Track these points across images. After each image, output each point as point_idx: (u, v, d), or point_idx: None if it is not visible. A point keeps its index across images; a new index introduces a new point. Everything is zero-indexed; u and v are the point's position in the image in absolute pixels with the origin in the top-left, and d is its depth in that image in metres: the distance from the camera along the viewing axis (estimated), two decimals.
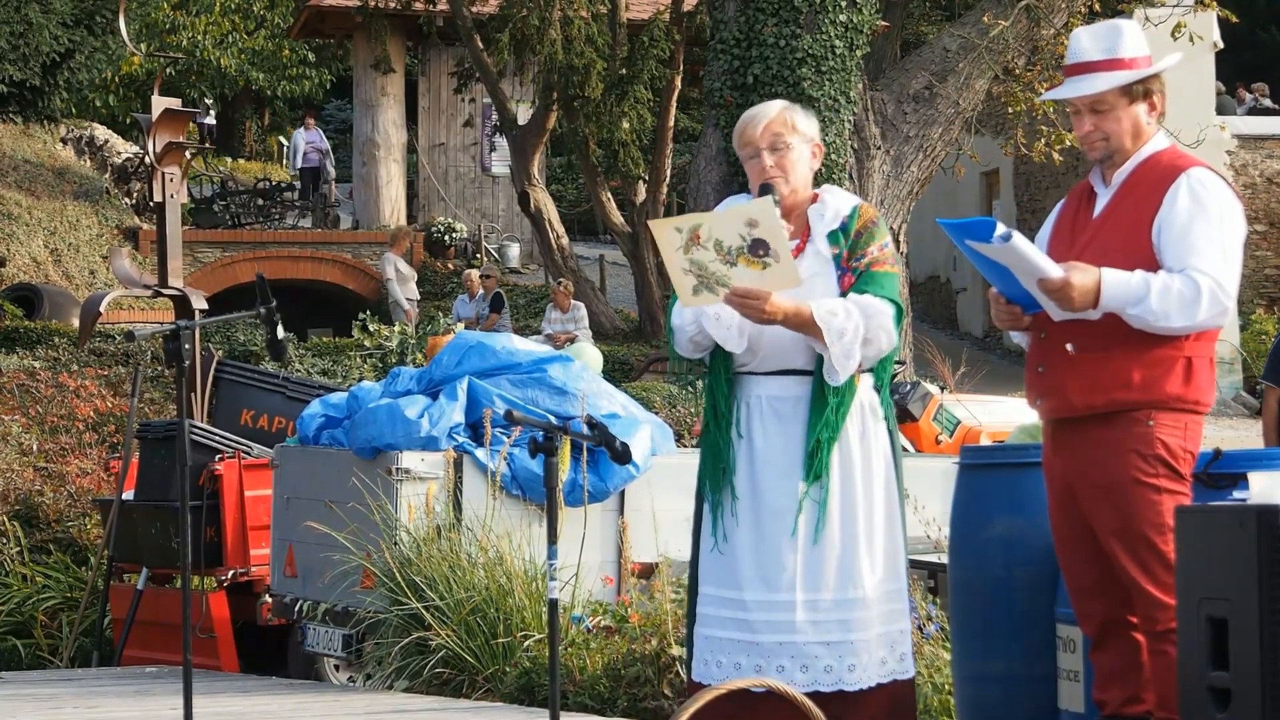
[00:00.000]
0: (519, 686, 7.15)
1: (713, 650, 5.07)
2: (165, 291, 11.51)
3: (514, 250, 28.90)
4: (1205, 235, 4.74)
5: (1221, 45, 24.13)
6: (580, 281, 23.80)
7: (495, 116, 25.96)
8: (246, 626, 9.95)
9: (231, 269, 26.25)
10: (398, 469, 7.93)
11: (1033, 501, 5.29)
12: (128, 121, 31.63)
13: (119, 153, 28.99)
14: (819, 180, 5.33)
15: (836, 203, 5.19)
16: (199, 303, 11.28)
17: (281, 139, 37.41)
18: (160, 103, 11.74)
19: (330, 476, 8.36)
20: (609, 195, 24.45)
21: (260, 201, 29.10)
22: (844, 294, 5.05)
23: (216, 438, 10.16)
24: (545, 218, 24.15)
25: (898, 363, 13.47)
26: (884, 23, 21.55)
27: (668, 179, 24.22)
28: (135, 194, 27.72)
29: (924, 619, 6.64)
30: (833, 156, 16.17)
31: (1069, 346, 4.83)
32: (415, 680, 7.42)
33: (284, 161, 34.38)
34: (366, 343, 19.49)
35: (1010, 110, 18.72)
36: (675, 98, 23.97)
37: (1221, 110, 25.07)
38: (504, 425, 7.99)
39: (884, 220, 5.31)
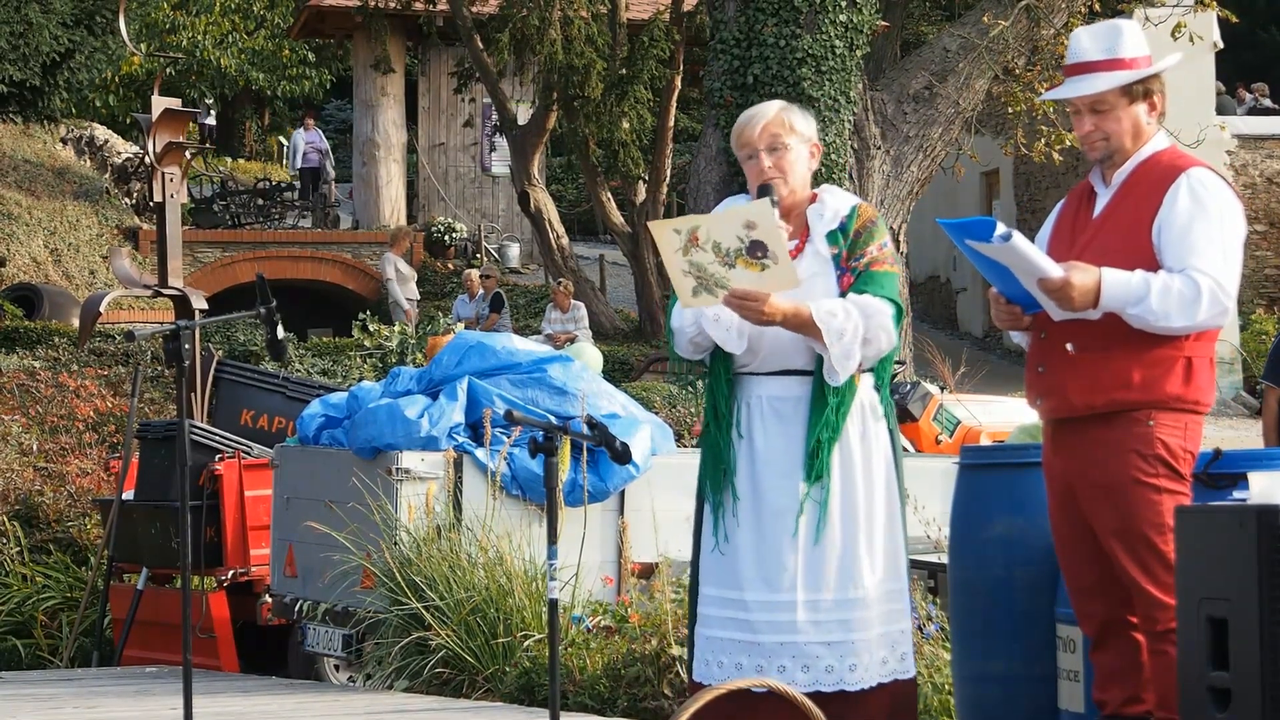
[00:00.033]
0: (519, 686, 7.15)
1: (714, 651, 5.07)
2: (165, 291, 11.51)
3: (514, 250, 28.90)
4: (1205, 235, 4.74)
5: (1221, 45, 24.13)
6: (580, 281, 23.81)
7: (495, 116, 25.96)
8: (246, 626, 9.95)
9: (231, 269, 26.26)
10: (398, 469, 7.93)
11: (1033, 501, 5.29)
12: (128, 121, 31.63)
13: (119, 153, 28.99)
14: (818, 180, 5.33)
15: (835, 202, 5.19)
16: (199, 303, 11.28)
17: (281, 139, 37.42)
18: (160, 103, 11.74)
19: (330, 476, 8.36)
20: (609, 195, 24.45)
21: (260, 201, 29.11)
22: (843, 294, 5.05)
23: (216, 438, 10.16)
24: (545, 218, 24.16)
25: (898, 363, 13.48)
26: (884, 23, 21.55)
27: (668, 179, 24.22)
28: (135, 194, 27.72)
29: (924, 619, 6.64)
30: (833, 156, 16.17)
31: (1069, 346, 4.83)
32: (415, 680, 7.42)
33: (284, 162, 34.38)
34: (366, 343, 19.49)
35: (1010, 110, 18.72)
36: (675, 98, 23.97)
37: (1221, 110, 25.07)
38: (504, 425, 7.99)
39: (883, 220, 5.31)
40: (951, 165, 19.25)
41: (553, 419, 7.53)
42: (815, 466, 5.01)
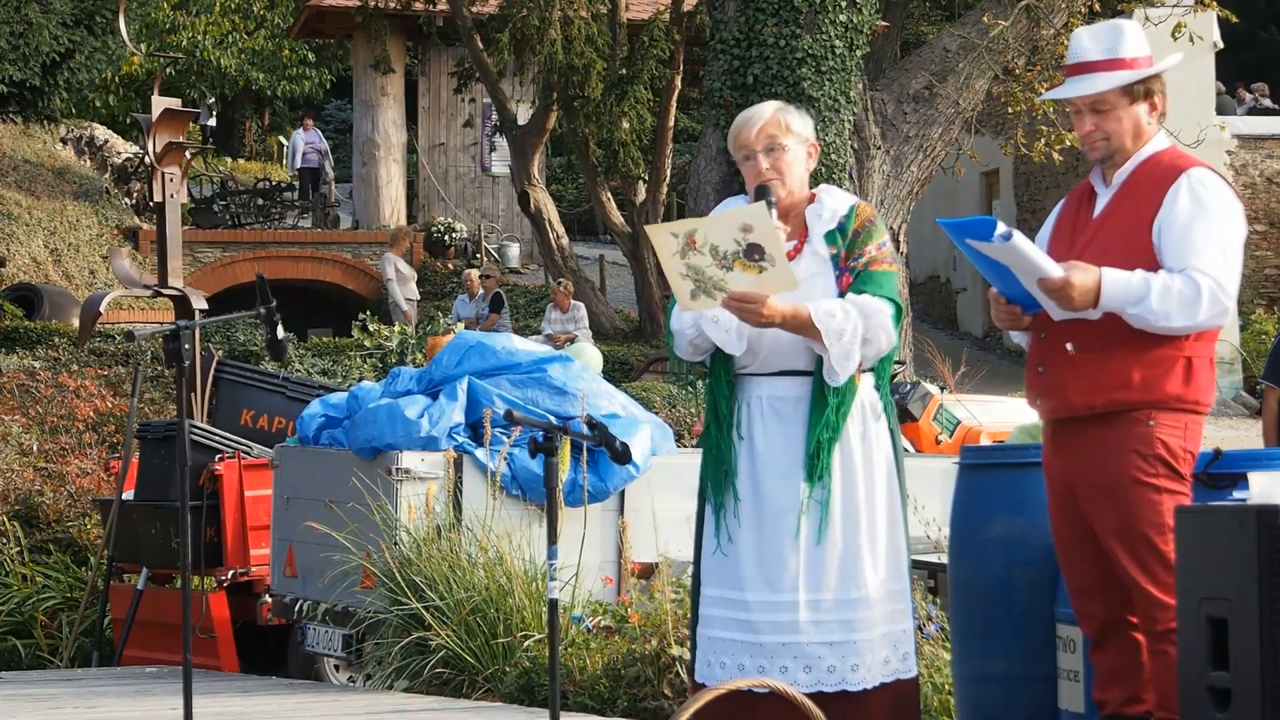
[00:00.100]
0: (519, 686, 7.16)
1: (715, 651, 5.07)
2: (165, 291, 11.51)
3: (514, 250, 28.90)
4: (1205, 235, 4.74)
5: (1221, 45, 24.13)
6: (580, 281, 23.81)
7: (495, 116, 25.96)
8: (246, 626, 9.95)
9: (231, 269, 26.26)
10: (398, 469, 7.93)
11: (1033, 501, 5.30)
12: (128, 121, 31.63)
13: (119, 153, 28.99)
14: (818, 180, 5.33)
15: (834, 202, 5.18)
16: (199, 303, 11.28)
17: (281, 139, 37.42)
18: (160, 103, 11.74)
19: (330, 476, 8.36)
20: (609, 195, 24.45)
21: (260, 201, 29.11)
22: (842, 294, 5.05)
23: (216, 438, 10.16)
24: (545, 218, 24.16)
25: (898, 363, 13.50)
26: (884, 23, 21.55)
27: (668, 179, 24.22)
28: (135, 194, 27.72)
29: (924, 619, 6.64)
30: (833, 156, 16.17)
31: (1069, 346, 4.83)
32: (415, 680, 7.42)
33: (283, 162, 34.39)
34: (366, 343, 19.49)
35: (1010, 110, 18.72)
36: (675, 98, 23.97)
37: (1221, 110, 25.07)
38: (504, 425, 7.99)
39: (881, 219, 5.31)
40: (951, 165, 19.25)
41: (553, 419, 7.53)
42: (816, 467, 5.01)
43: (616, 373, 18.51)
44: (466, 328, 19.45)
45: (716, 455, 5.12)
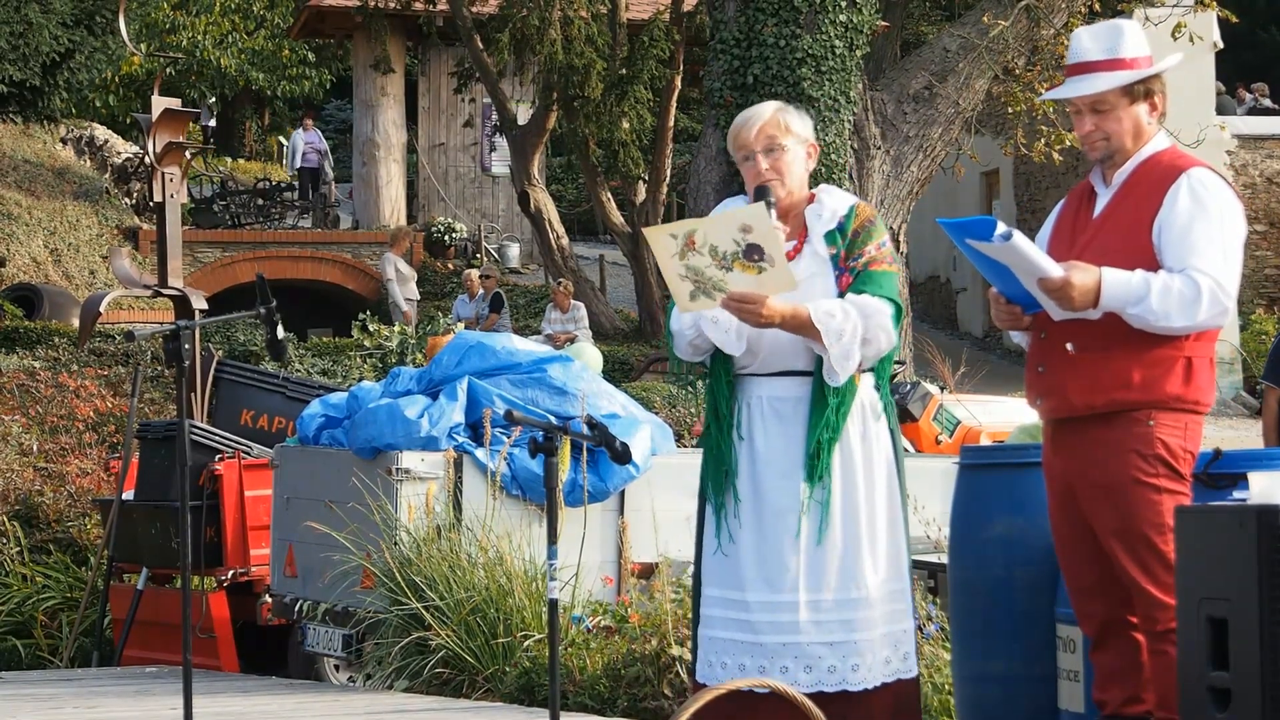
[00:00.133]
0: (519, 686, 7.15)
1: (716, 651, 5.07)
2: (165, 291, 11.51)
3: (514, 250, 28.90)
4: (1206, 235, 4.74)
5: (1221, 45, 24.13)
6: (580, 281, 23.81)
7: (495, 116, 25.96)
8: (246, 626, 9.95)
9: (231, 269, 26.26)
10: (398, 469, 7.93)
11: (1033, 501, 5.29)
12: (128, 121, 31.64)
13: (119, 153, 28.99)
14: (818, 180, 5.33)
15: (833, 202, 5.18)
16: (199, 303, 11.28)
17: (281, 139, 37.43)
18: (160, 103, 11.74)
19: (330, 476, 8.36)
20: (609, 195, 24.45)
21: (260, 201, 29.11)
22: (842, 294, 5.05)
23: (216, 438, 10.16)
24: (545, 218, 24.16)
25: (898, 363, 13.49)
26: (884, 23, 21.54)
27: (668, 179, 24.23)
28: (135, 194, 27.72)
29: (924, 619, 6.64)
30: (833, 156, 16.17)
31: (1069, 346, 4.83)
32: (415, 680, 7.42)
33: (283, 162, 34.40)
34: (366, 343, 19.49)
35: (1010, 110, 18.72)
36: (675, 98, 23.97)
37: (1221, 110, 25.07)
38: (504, 425, 7.99)
39: (881, 219, 5.30)
40: (951, 165, 19.25)
41: (553, 419, 7.53)
42: (816, 467, 5.01)
43: (616, 373, 18.51)
44: (466, 328, 19.45)
45: (717, 455, 5.12)
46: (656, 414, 10.72)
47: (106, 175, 27.97)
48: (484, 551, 7.58)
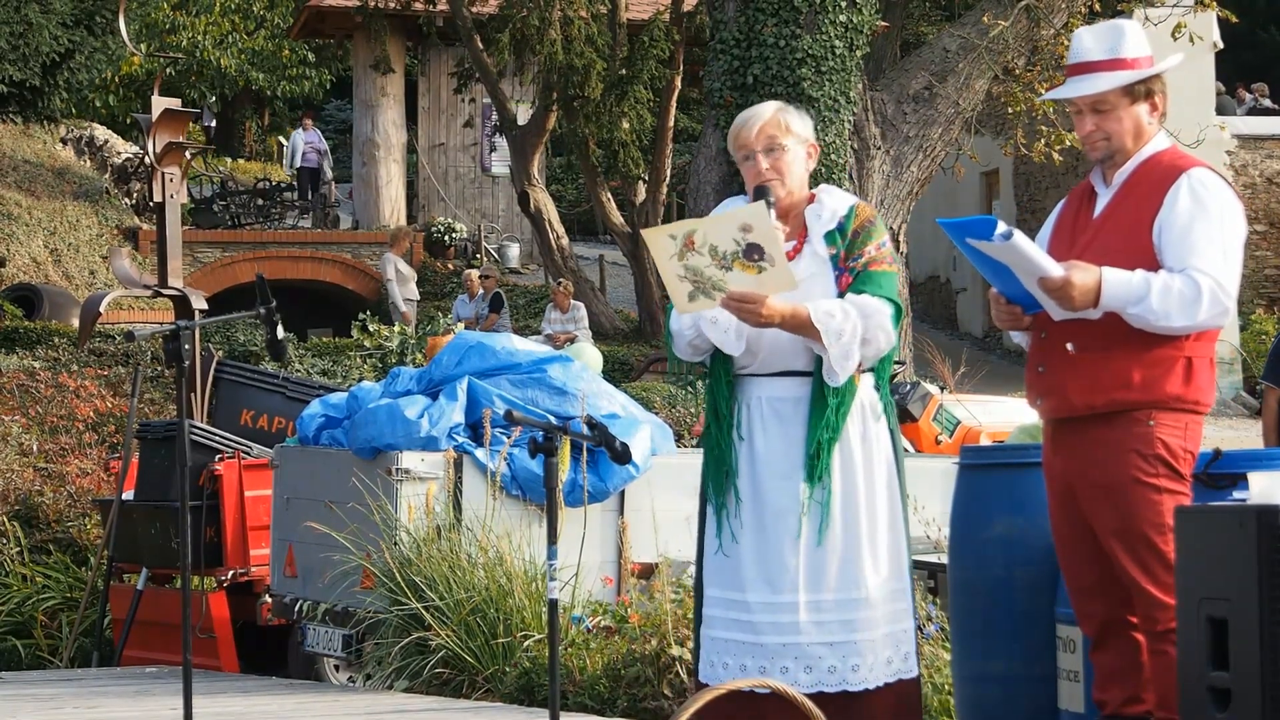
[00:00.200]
0: (519, 686, 7.15)
1: (718, 652, 5.07)
2: (165, 291, 11.51)
3: (514, 250, 28.91)
4: (1206, 235, 4.74)
5: (1221, 45, 24.13)
6: (580, 281, 23.81)
7: (495, 116, 25.96)
8: (246, 626, 9.95)
9: (231, 269, 26.26)
10: (398, 469, 7.93)
11: (1033, 501, 5.29)
12: (128, 121, 31.64)
13: (119, 153, 29.00)
14: (818, 180, 5.33)
15: (833, 202, 5.18)
16: (199, 303, 11.28)
17: (281, 139, 37.44)
18: (160, 103, 11.74)
19: (330, 476, 8.36)
20: (609, 195, 24.45)
21: (260, 201, 29.12)
22: (842, 294, 5.04)
23: (216, 438, 10.16)
24: (545, 218, 24.16)
25: (897, 363, 13.49)
26: (884, 23, 21.55)
27: (668, 179, 24.23)
28: (135, 194, 27.72)
29: (924, 619, 6.64)
30: (833, 157, 16.18)
31: (1069, 346, 4.83)
32: (415, 680, 7.42)
33: (283, 162, 34.41)
34: (366, 343, 19.49)
35: (1010, 110, 18.72)
36: (675, 98, 23.98)
37: (1221, 110, 25.07)
38: (504, 425, 7.99)
39: (881, 219, 5.30)
40: (951, 165, 19.25)
41: (553, 419, 7.53)
42: (816, 467, 5.00)
43: (616, 373, 18.52)
44: (466, 328, 19.45)
45: (717, 456, 5.12)
46: (656, 414, 10.72)
47: (106, 175, 27.98)
48: (484, 551, 7.58)
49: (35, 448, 14.06)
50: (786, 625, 4.98)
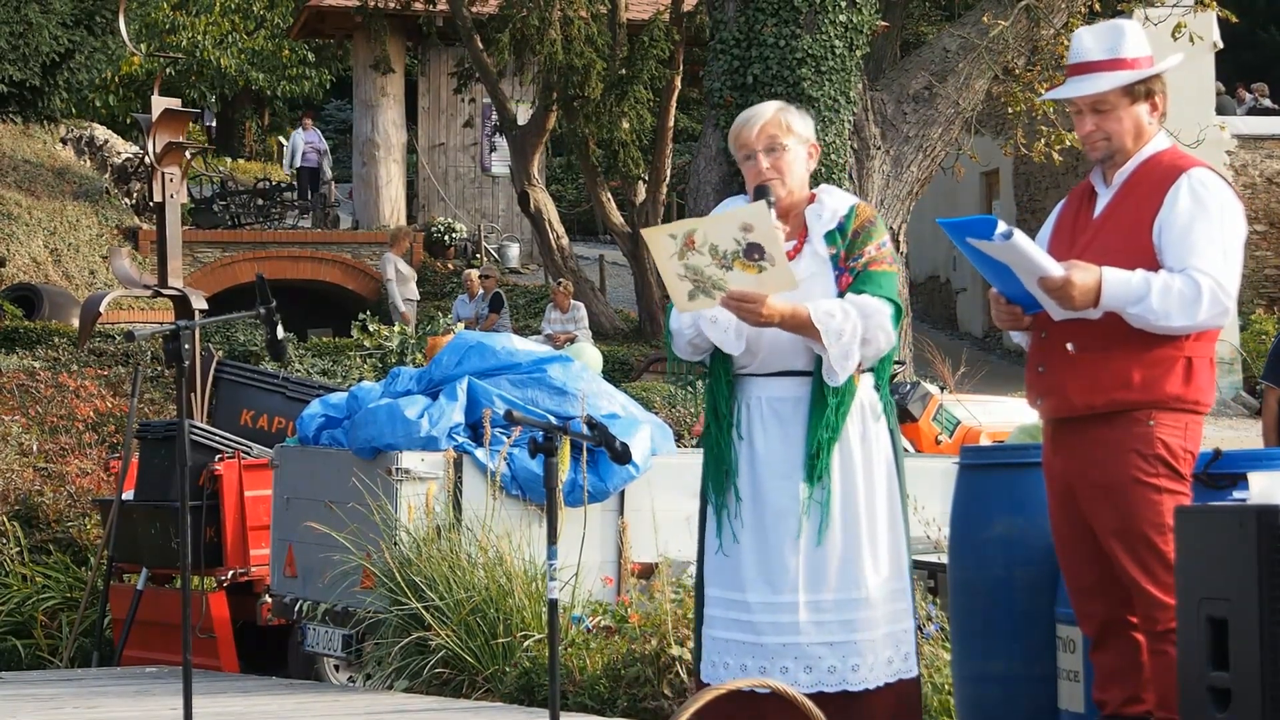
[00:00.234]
0: (519, 686, 7.15)
1: (719, 652, 5.07)
2: (165, 291, 11.51)
3: (514, 250, 28.91)
4: (1206, 235, 4.74)
5: (1221, 45, 24.13)
6: (580, 281, 23.81)
7: (495, 116, 25.96)
8: (246, 626, 9.95)
9: (231, 269, 26.26)
10: (398, 469, 7.93)
11: (1033, 501, 5.29)
12: (128, 121, 31.65)
13: (119, 153, 29.00)
14: (818, 180, 5.33)
15: (834, 203, 5.18)
16: (199, 303, 11.28)
17: (281, 139, 37.45)
18: (160, 103, 11.74)
19: (330, 476, 8.36)
20: (609, 195, 24.45)
21: (260, 201, 29.12)
22: (842, 294, 5.04)
23: (216, 438, 10.16)
24: (545, 218, 24.16)
25: (897, 363, 13.49)
26: (884, 23, 21.55)
27: (668, 179, 24.23)
28: (135, 194, 27.73)
29: (924, 619, 6.64)
30: (833, 156, 16.18)
31: (1069, 346, 4.83)
32: (415, 680, 7.42)
33: (282, 162, 34.42)
34: (366, 343, 19.49)
35: (1010, 110, 18.72)
36: (675, 98, 23.98)
37: (1221, 110, 25.07)
38: (504, 425, 7.99)
39: (881, 219, 5.30)
40: (951, 165, 19.25)
41: (553, 419, 7.53)
42: (816, 467, 5.00)
43: (616, 373, 18.52)
44: (466, 328, 19.45)
45: (717, 455, 5.12)
46: (656, 414, 10.73)
47: (106, 175, 27.98)
48: (484, 551, 7.58)
49: (35, 448, 14.06)
50: (786, 625, 4.98)
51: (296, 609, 8.53)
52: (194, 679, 5.97)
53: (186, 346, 5.82)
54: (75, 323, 18.61)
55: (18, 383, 16.16)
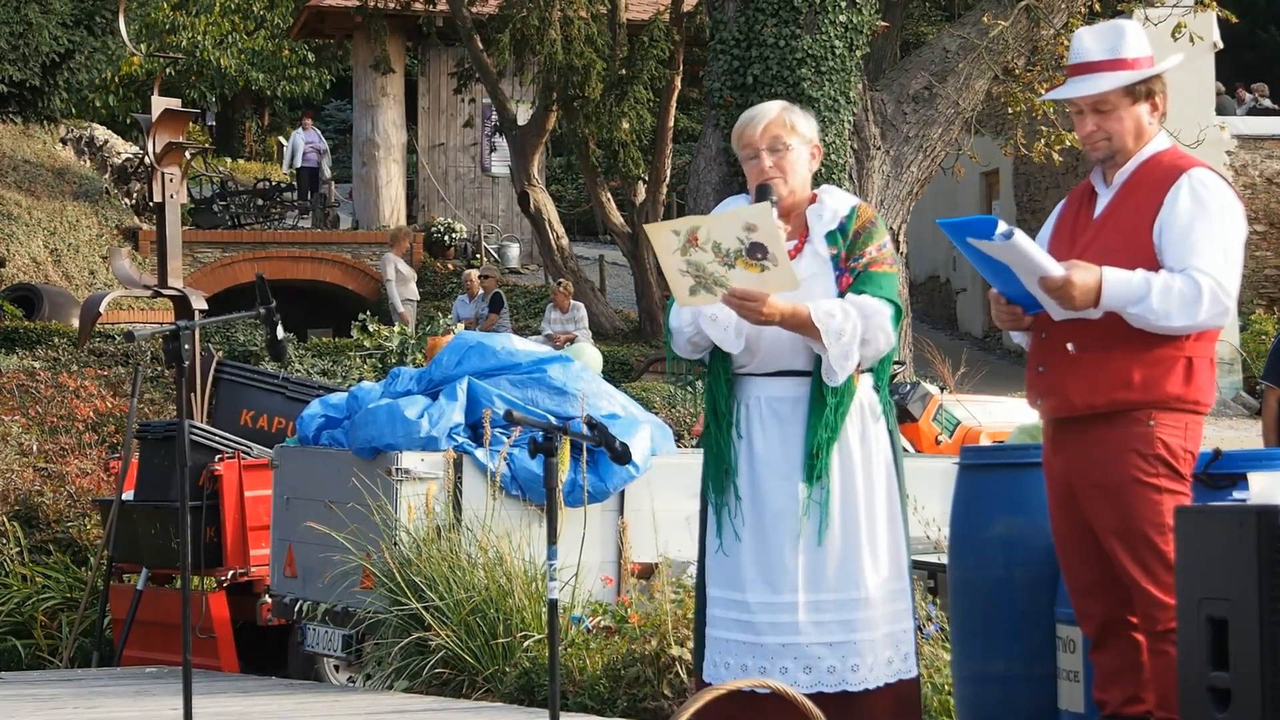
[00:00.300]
0: (519, 687, 7.15)
1: (720, 652, 5.08)
2: (165, 291, 11.51)
3: (514, 250, 28.90)
4: (1206, 235, 4.74)
5: (1221, 45, 24.13)
6: (580, 282, 23.81)
7: (495, 116, 25.96)
8: (246, 626, 9.95)
9: (231, 269, 26.26)
10: (398, 469, 7.93)
11: (1033, 501, 5.29)
12: (128, 121, 31.64)
13: (119, 153, 29.00)
14: (819, 180, 5.33)
15: (835, 203, 5.19)
16: (199, 303, 11.28)
17: (281, 139, 37.45)
18: (160, 103, 11.74)
19: (330, 476, 8.35)
20: (609, 195, 24.45)
21: (260, 202, 29.12)
22: (842, 294, 5.05)
23: (216, 438, 10.15)
24: (545, 218, 24.16)
25: (897, 363, 13.49)
26: (884, 23, 21.55)
27: (667, 179, 24.23)
28: (135, 194, 27.72)
29: (924, 619, 6.64)
30: (833, 157, 16.18)
31: (1070, 346, 4.83)
32: (415, 680, 7.42)
33: (282, 162, 34.42)
34: (366, 343, 19.49)
35: (1010, 110, 18.72)
36: (675, 98, 23.98)
37: (1221, 110, 25.07)
38: (504, 425, 7.99)
39: (882, 220, 5.31)
40: (951, 165, 19.25)
41: (553, 419, 7.53)
42: (815, 467, 5.01)
43: (616, 373, 18.52)
44: (466, 328, 19.46)
45: (717, 455, 5.12)
46: (656, 414, 10.73)
47: (106, 175, 27.97)
48: (484, 552, 7.58)
49: (35, 448, 14.06)
50: (786, 625, 4.98)
51: (296, 609, 8.53)
52: (194, 679, 5.97)
53: (186, 347, 5.82)
54: (75, 323, 18.62)
55: (18, 383, 16.16)
